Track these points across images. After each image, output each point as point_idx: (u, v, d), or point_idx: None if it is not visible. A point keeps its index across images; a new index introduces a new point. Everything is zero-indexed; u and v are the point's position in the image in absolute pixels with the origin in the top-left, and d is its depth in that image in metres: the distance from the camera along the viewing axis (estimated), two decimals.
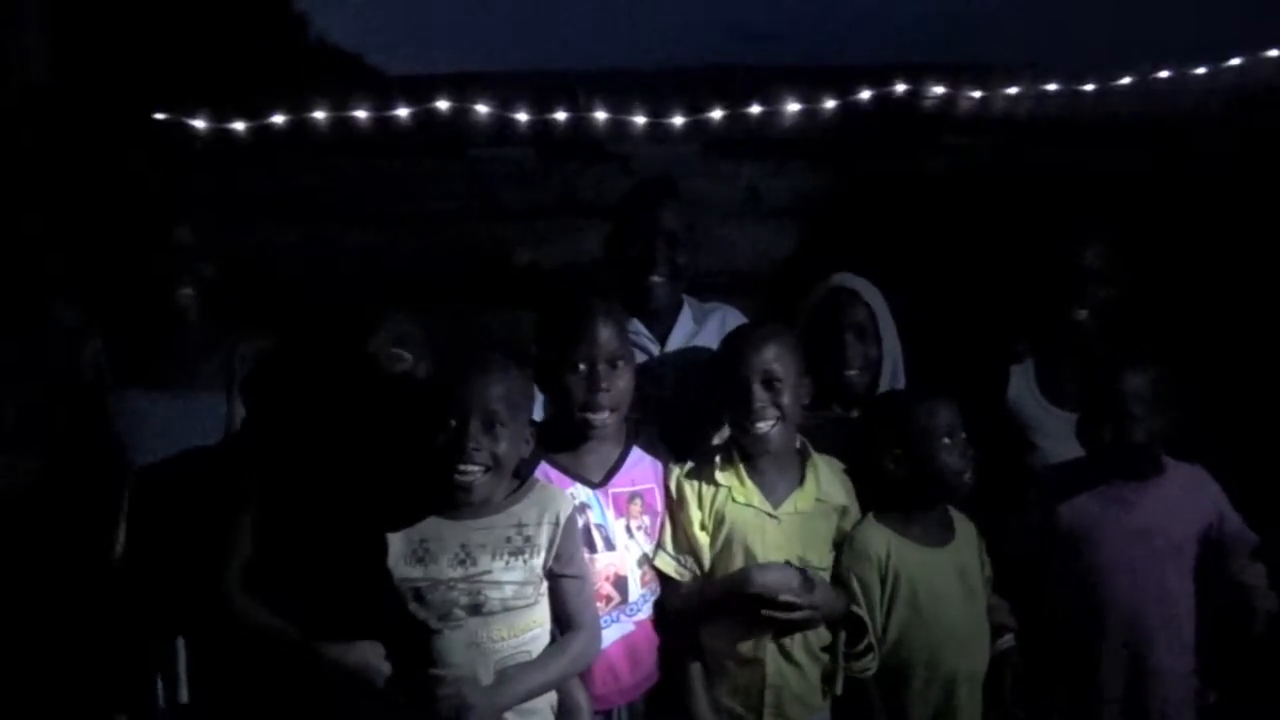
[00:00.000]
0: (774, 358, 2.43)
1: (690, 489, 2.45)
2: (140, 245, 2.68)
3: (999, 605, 2.61)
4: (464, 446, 2.15)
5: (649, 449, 2.55)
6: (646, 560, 2.47)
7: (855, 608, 2.47)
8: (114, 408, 2.61)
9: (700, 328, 2.87)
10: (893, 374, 2.81)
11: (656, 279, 2.79)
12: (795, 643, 2.44)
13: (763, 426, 2.42)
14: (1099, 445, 2.61)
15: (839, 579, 2.50)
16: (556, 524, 2.24)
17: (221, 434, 2.63)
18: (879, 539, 2.50)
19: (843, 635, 2.48)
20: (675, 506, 2.47)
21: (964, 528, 2.61)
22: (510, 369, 2.24)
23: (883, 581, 2.48)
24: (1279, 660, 2.64)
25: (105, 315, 2.78)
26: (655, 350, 2.84)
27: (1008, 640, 2.59)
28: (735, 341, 2.52)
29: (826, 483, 2.50)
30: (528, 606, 2.21)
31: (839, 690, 2.48)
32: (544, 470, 2.41)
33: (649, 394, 2.64)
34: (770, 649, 2.43)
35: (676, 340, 2.86)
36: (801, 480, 2.48)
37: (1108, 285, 2.89)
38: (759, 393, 2.41)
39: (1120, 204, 3.35)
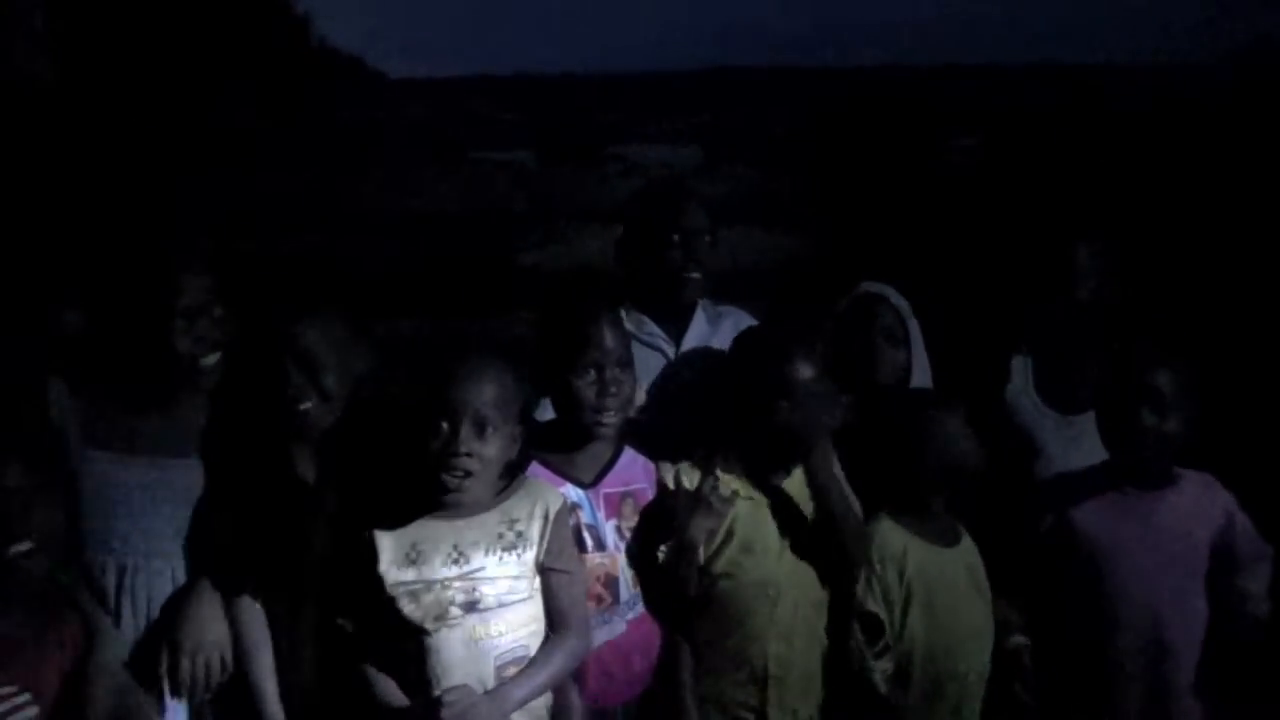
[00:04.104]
0: (813, 365, 2.44)
1: (689, 481, 2.42)
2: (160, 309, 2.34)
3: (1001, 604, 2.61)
4: (456, 451, 2.16)
5: (640, 449, 2.56)
6: None
7: (873, 606, 2.47)
8: (80, 469, 2.30)
9: (715, 330, 2.86)
10: (921, 381, 2.82)
11: (694, 275, 2.81)
12: (796, 627, 2.44)
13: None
14: (1125, 439, 2.56)
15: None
16: (546, 518, 2.25)
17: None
18: (896, 538, 2.50)
19: (860, 636, 2.48)
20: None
21: (964, 532, 2.60)
22: (501, 371, 2.25)
23: (900, 581, 2.47)
24: (1271, 667, 2.62)
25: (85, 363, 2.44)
26: (671, 351, 2.86)
27: (1020, 638, 2.57)
28: (771, 346, 2.49)
29: None
30: (522, 601, 2.22)
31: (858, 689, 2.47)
32: (535, 470, 2.40)
33: (666, 394, 2.65)
34: (772, 637, 2.42)
35: (691, 341, 2.87)
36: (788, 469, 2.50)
37: (1103, 283, 2.90)
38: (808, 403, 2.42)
39: (1122, 200, 3.35)
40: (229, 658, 2.28)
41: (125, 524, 2.26)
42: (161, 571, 2.28)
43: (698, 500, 2.36)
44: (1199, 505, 2.59)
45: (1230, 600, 2.55)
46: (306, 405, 2.32)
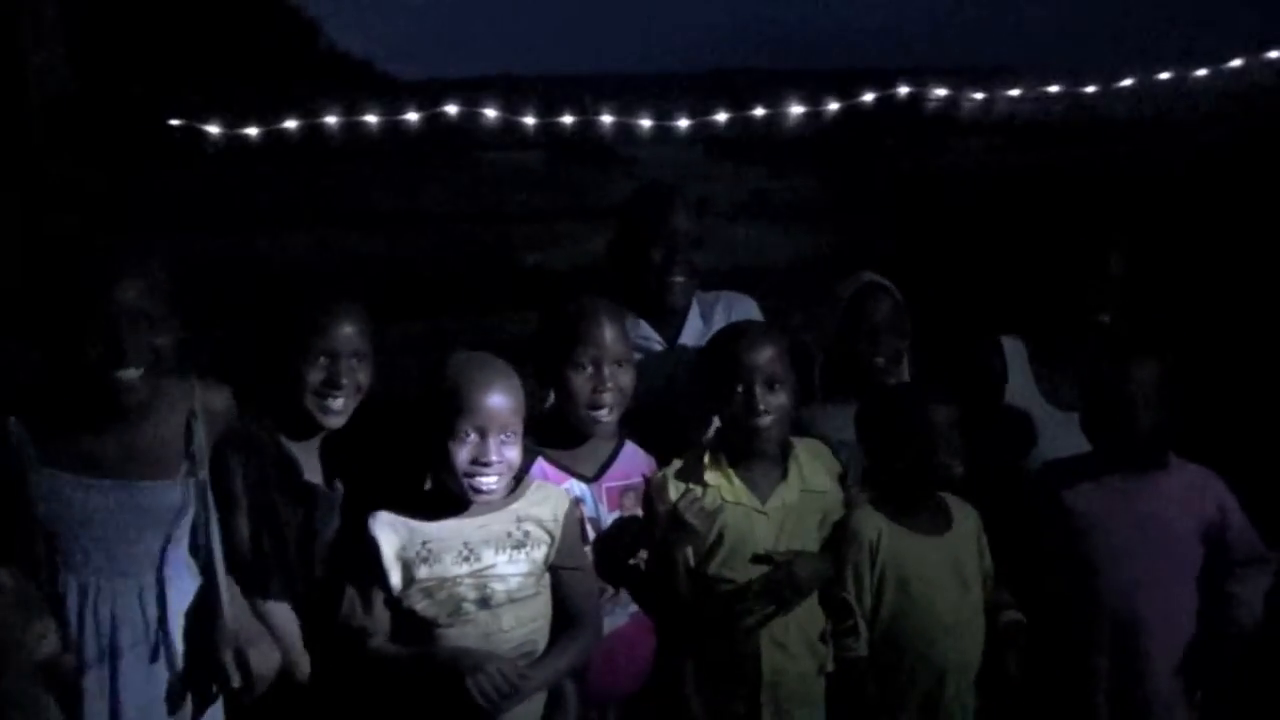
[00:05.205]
0: (775, 358, 2.48)
1: (675, 491, 2.46)
2: (73, 315, 2.10)
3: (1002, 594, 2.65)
4: (489, 460, 2.20)
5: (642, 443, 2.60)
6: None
7: (843, 592, 2.51)
8: (38, 494, 2.13)
9: (708, 325, 2.91)
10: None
11: (678, 279, 2.84)
12: (790, 633, 2.48)
13: (765, 421, 2.46)
14: (1104, 436, 2.65)
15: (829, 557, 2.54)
16: (556, 520, 2.30)
17: (180, 521, 2.24)
18: (871, 524, 2.54)
19: (828, 620, 2.52)
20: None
21: (965, 520, 2.64)
22: (513, 377, 2.29)
23: (872, 566, 2.52)
24: (1263, 671, 2.65)
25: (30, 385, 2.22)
26: (664, 351, 2.89)
27: (1014, 614, 2.61)
28: (732, 341, 2.54)
29: (810, 471, 2.54)
30: (531, 597, 2.27)
31: (830, 667, 2.52)
32: (540, 465, 2.45)
33: (658, 388, 2.69)
34: (765, 642, 2.46)
35: (688, 338, 2.91)
36: (785, 474, 2.52)
37: (1128, 289, 2.93)
38: (762, 394, 2.45)
39: (1120, 204, 3.38)
40: (275, 654, 2.23)
41: (88, 544, 2.14)
42: (125, 592, 2.18)
43: (675, 518, 2.38)
44: (1188, 495, 2.64)
45: (1221, 600, 2.60)
46: (341, 400, 2.36)
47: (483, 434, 2.21)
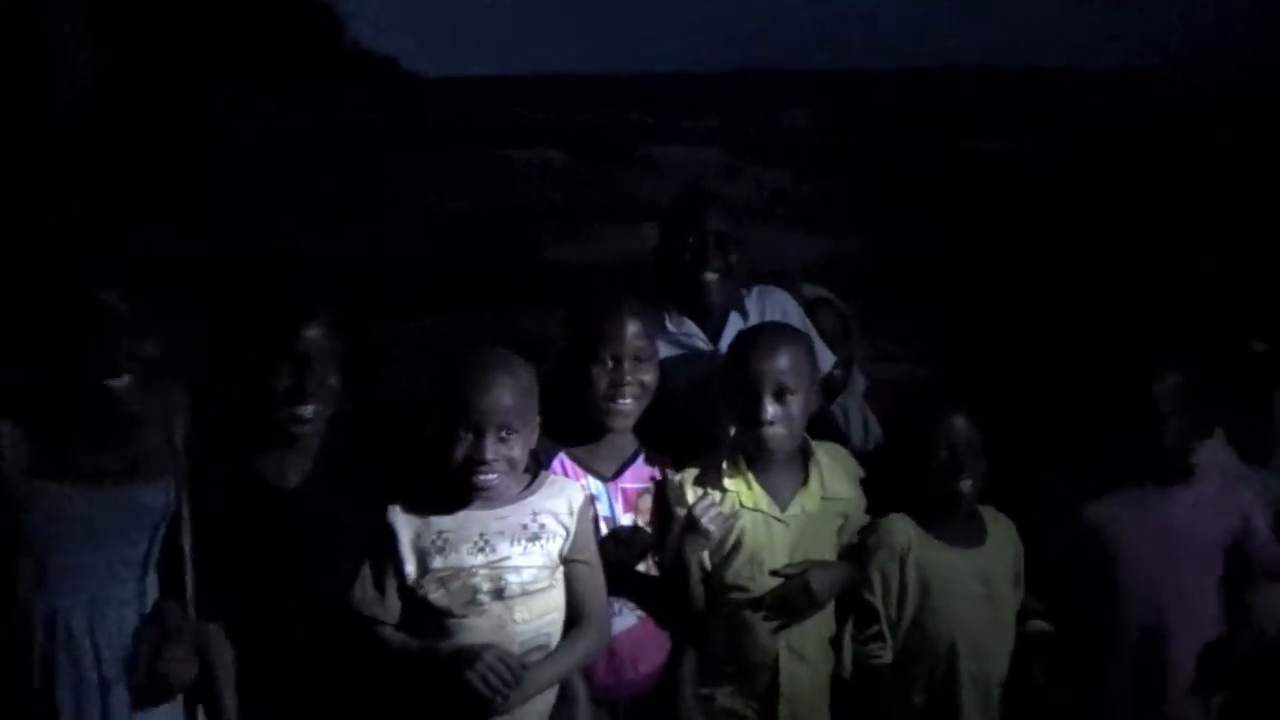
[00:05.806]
0: (786, 367, 2.45)
1: (693, 495, 2.45)
2: (60, 326, 2.12)
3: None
4: (483, 459, 2.22)
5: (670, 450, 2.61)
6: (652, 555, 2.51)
7: (869, 595, 2.50)
8: (33, 507, 2.14)
9: (747, 320, 2.92)
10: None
11: (710, 276, 2.86)
12: (807, 640, 2.48)
13: (769, 431, 2.45)
14: (1128, 448, 2.63)
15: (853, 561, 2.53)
16: (571, 513, 2.31)
17: (165, 521, 2.24)
18: (903, 530, 2.53)
19: (850, 621, 2.52)
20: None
21: (1000, 534, 2.62)
22: (519, 371, 2.28)
23: (900, 573, 2.50)
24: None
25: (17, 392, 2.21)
26: (709, 350, 2.92)
27: (1041, 623, 2.60)
28: (744, 347, 2.53)
29: (831, 478, 2.53)
30: (545, 590, 2.28)
31: (847, 674, 2.51)
32: (559, 461, 2.47)
33: (699, 385, 2.71)
34: (783, 650, 2.45)
35: (729, 336, 2.93)
36: (805, 480, 2.51)
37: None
38: (769, 403, 2.44)
39: (1133, 201, 3.38)
40: (194, 666, 2.22)
41: (91, 557, 2.14)
42: (129, 600, 2.19)
43: (691, 523, 2.38)
44: (1214, 505, 2.63)
45: (1241, 610, 2.60)
46: (310, 407, 2.30)
47: (478, 432, 2.21)
